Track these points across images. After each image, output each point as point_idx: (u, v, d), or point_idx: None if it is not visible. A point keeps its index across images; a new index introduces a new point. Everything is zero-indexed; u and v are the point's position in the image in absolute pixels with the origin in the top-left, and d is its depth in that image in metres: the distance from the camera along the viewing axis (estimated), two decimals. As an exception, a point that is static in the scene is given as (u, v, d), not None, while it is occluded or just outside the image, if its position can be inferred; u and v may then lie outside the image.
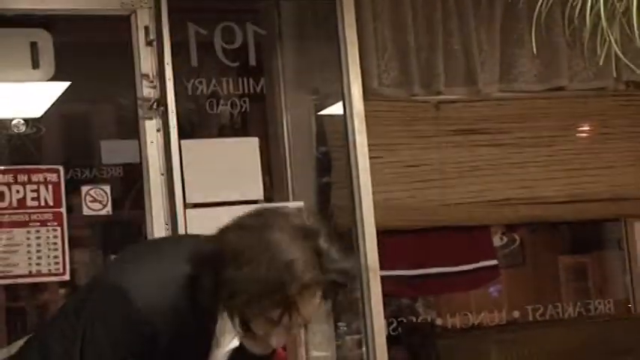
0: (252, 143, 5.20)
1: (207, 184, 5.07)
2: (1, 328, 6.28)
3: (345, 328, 6.13)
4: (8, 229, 4.93)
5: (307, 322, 2.67)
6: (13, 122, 5.36)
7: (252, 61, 5.51)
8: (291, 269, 2.53)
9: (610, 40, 2.81)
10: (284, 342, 2.67)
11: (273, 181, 5.46)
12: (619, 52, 2.80)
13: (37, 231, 4.98)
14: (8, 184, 4.92)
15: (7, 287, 5.79)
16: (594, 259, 9.54)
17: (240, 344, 2.79)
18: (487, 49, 5.96)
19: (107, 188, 5.29)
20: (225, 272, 2.57)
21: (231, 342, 2.80)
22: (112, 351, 2.65)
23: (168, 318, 2.65)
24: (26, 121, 5.37)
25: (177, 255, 2.74)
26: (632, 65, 2.82)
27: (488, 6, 5.94)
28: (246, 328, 2.63)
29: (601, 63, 2.89)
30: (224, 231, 2.70)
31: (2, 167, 5.00)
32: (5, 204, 4.91)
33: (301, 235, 2.63)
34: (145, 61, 5.06)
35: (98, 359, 2.66)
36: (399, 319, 8.03)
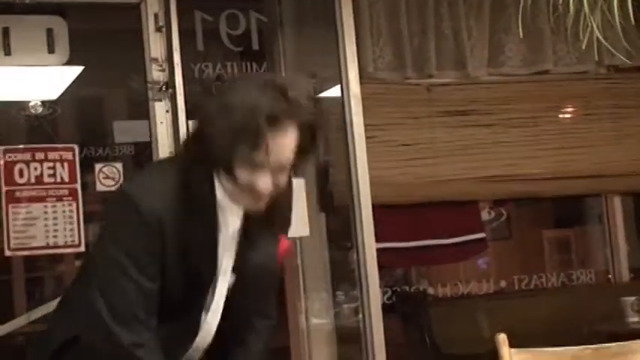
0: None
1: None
2: (21, 296, 6.27)
3: (343, 296, 6.12)
4: (27, 204, 4.92)
5: (283, 162, 2.63)
6: (31, 104, 5.35)
7: (255, 46, 5.51)
8: (259, 106, 2.55)
9: (592, 26, 2.78)
10: (269, 186, 2.61)
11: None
12: (600, 37, 2.77)
13: (54, 206, 4.96)
14: (27, 162, 4.91)
15: (26, 258, 5.78)
16: (576, 232, 9.56)
17: (244, 223, 2.78)
18: (476, 35, 5.94)
19: (119, 166, 5.28)
20: (205, 131, 2.65)
21: (234, 224, 2.76)
22: (121, 248, 2.65)
23: (170, 212, 2.64)
24: (43, 102, 5.36)
25: (173, 161, 2.86)
26: (612, 49, 2.79)
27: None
28: (233, 180, 2.62)
29: (583, 47, 2.86)
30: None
31: (21, 146, 4.99)
32: (24, 180, 4.89)
33: (270, 84, 2.64)
34: (155, 47, 5.04)
35: (108, 256, 2.68)
36: (393, 289, 8.06)
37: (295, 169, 2.71)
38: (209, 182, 2.69)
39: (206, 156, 2.64)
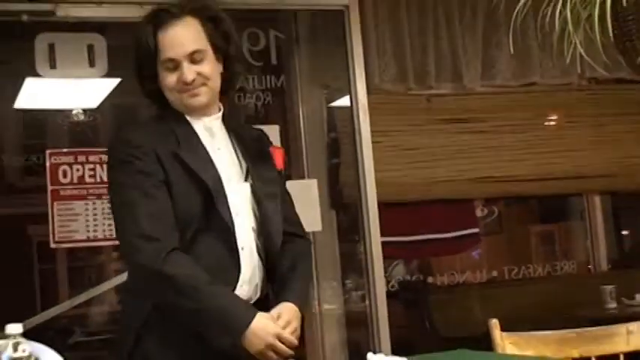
0: (274, 130, 5.15)
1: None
2: (64, 284, 6.28)
3: (352, 284, 6.11)
4: (70, 202, 4.91)
5: (187, 50, 2.67)
6: (74, 112, 5.36)
7: (274, 61, 5.50)
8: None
9: (575, 42, 2.76)
10: (190, 74, 2.65)
11: (291, 162, 5.42)
12: (583, 53, 2.75)
13: (94, 203, 4.95)
14: (70, 164, 4.91)
15: (69, 250, 5.78)
16: (560, 227, 9.56)
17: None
18: (470, 51, 5.92)
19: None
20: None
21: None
22: (123, 174, 2.64)
23: (152, 136, 2.67)
24: (84, 110, 5.37)
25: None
26: (593, 63, 2.77)
27: (472, 15, 5.90)
28: (166, 88, 2.69)
29: (567, 62, 2.83)
30: None
31: (65, 149, 4.98)
32: (67, 180, 4.89)
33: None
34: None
35: (115, 187, 2.68)
36: (398, 279, 8.06)
37: (217, 53, 2.76)
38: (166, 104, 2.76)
39: (146, 88, 2.76)
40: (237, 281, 2.63)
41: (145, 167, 2.59)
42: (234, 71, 2.87)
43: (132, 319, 2.66)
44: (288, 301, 2.64)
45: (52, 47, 4.92)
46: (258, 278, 2.71)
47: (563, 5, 2.74)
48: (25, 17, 4.71)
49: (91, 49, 4.96)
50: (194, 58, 2.67)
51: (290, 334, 2.56)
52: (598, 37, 2.71)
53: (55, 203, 4.85)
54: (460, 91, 6.12)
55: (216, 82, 2.74)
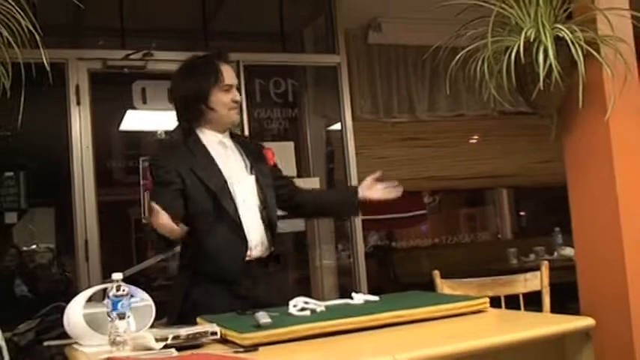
0: (289, 146, 5.15)
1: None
2: (150, 247, 6.24)
3: (341, 247, 6.11)
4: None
5: (234, 81, 2.70)
6: (158, 132, 5.34)
7: (290, 99, 5.48)
8: (206, 55, 2.74)
9: (490, 87, 2.76)
10: (238, 97, 2.69)
11: (301, 166, 5.42)
12: (495, 93, 2.75)
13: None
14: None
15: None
16: (480, 210, 9.57)
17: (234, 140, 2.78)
18: (421, 92, 5.91)
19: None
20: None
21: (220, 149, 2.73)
22: (162, 188, 2.58)
23: (177, 157, 2.63)
24: (165, 132, 5.34)
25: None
26: (502, 101, 2.77)
27: (422, 69, 5.90)
28: (216, 105, 2.66)
29: (485, 99, 2.83)
30: None
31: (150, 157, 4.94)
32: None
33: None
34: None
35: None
36: (372, 244, 8.07)
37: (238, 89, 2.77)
38: (190, 129, 2.71)
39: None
40: (247, 251, 2.63)
41: (163, 180, 2.59)
42: None
43: (181, 281, 2.67)
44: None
45: (144, 90, 4.92)
46: (266, 240, 2.70)
47: (482, 62, 2.74)
48: (126, 70, 4.73)
49: (170, 91, 4.95)
50: (237, 87, 2.73)
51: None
52: (506, 83, 2.71)
53: (144, 193, 4.84)
54: (414, 119, 6.12)
55: None
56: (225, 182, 2.63)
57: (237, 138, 2.83)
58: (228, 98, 2.68)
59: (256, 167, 2.76)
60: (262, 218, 2.70)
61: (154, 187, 2.64)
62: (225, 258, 2.59)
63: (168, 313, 2.59)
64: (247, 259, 2.62)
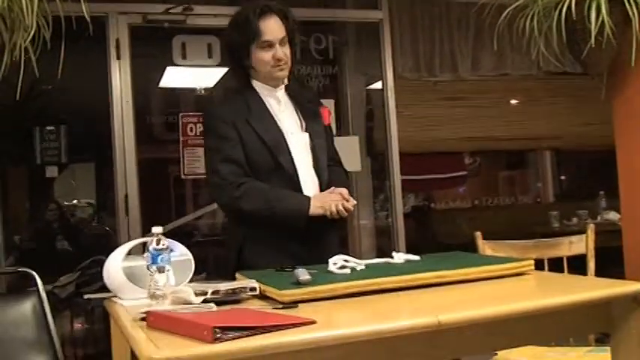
0: (329, 104, 5.11)
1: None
2: (190, 202, 6.27)
3: (379, 207, 6.09)
4: (193, 148, 4.86)
5: (278, 36, 2.59)
6: (197, 89, 5.34)
7: (331, 56, 5.42)
8: (246, 10, 2.59)
9: (539, 44, 2.69)
10: (282, 54, 2.59)
11: (341, 124, 5.39)
12: (543, 50, 2.68)
13: (210, 150, 4.93)
14: (194, 123, 4.89)
15: (193, 181, 5.76)
16: (520, 173, 9.49)
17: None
18: (464, 50, 5.80)
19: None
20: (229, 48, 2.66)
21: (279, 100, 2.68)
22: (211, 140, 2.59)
23: (232, 109, 2.60)
24: (205, 89, 5.34)
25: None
26: (549, 57, 2.70)
27: (466, 26, 5.77)
28: (260, 61, 2.59)
29: (533, 57, 2.76)
30: None
31: (191, 113, 4.94)
32: (192, 133, 4.87)
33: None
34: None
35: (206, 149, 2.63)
36: (410, 204, 8.05)
37: (291, 43, 2.68)
38: (246, 80, 2.66)
39: (238, 63, 2.63)
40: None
41: (223, 133, 2.56)
42: (295, 55, 2.78)
43: (234, 238, 2.64)
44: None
45: (184, 45, 4.90)
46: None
47: (531, 18, 2.67)
48: (166, 24, 4.70)
49: (209, 46, 4.93)
50: (281, 42, 2.62)
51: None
52: (556, 41, 2.64)
53: (185, 149, 4.86)
54: (456, 78, 6.01)
55: (289, 62, 2.68)
56: (283, 136, 2.61)
57: (293, 91, 2.76)
58: (269, 56, 2.60)
59: (310, 126, 2.71)
60: (314, 173, 2.67)
61: (215, 142, 2.59)
62: None
63: (224, 267, 2.59)
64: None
